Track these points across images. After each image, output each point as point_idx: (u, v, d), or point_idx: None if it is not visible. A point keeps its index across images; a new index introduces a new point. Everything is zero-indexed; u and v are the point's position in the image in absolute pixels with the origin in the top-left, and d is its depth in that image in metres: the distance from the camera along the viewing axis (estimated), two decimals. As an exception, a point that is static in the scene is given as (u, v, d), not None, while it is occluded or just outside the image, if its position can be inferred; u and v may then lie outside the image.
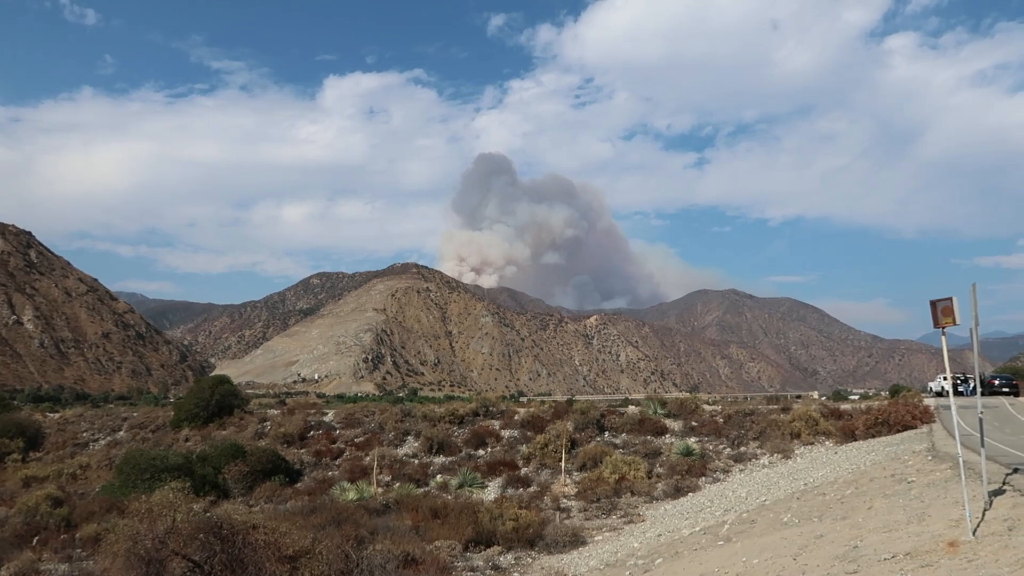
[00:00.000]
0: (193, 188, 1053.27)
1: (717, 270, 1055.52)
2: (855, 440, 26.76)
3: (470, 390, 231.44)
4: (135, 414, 52.37)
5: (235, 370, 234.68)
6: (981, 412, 11.03)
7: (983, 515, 9.84)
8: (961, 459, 10.46)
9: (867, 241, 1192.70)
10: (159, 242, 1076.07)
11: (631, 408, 39.52)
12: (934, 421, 27.09)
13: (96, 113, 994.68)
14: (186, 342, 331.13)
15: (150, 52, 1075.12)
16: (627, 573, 14.29)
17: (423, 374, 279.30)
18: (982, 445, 10.93)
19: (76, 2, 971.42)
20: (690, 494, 23.41)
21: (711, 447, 29.56)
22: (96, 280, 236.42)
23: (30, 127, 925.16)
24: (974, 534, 8.94)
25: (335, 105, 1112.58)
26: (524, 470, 29.11)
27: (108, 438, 46.29)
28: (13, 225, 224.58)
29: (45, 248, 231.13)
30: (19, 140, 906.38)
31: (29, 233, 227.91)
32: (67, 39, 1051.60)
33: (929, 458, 16.74)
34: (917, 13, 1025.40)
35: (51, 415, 58.39)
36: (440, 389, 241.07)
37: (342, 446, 36.19)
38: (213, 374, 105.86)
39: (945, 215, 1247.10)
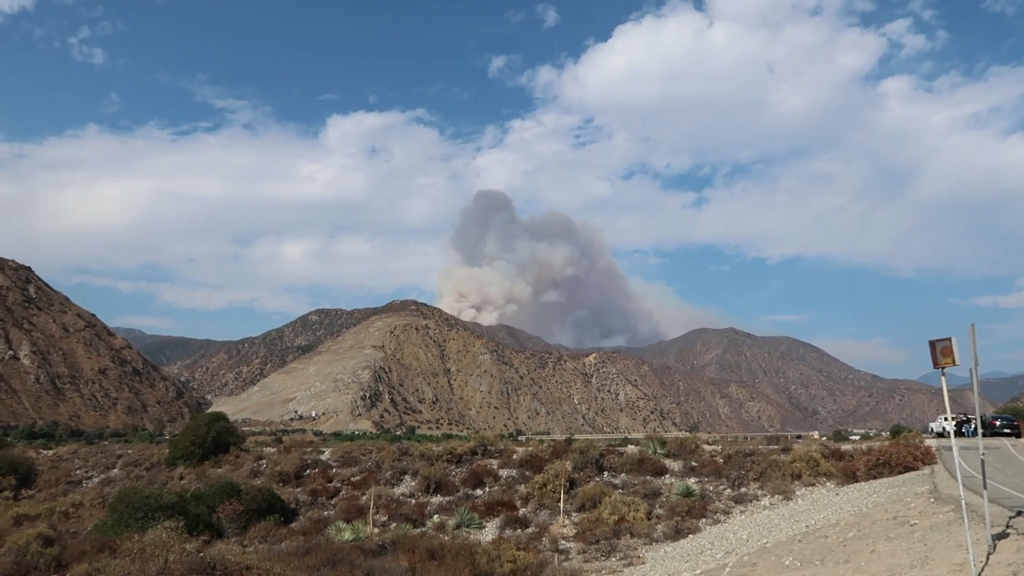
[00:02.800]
0: (194, 224, 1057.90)
1: (715, 308, 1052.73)
2: (856, 481, 26.49)
3: (468, 428, 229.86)
4: (129, 451, 51.91)
5: (232, 407, 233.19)
6: (983, 453, 10.97)
7: (987, 559, 9.73)
8: (964, 501, 10.38)
9: (864, 280, 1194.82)
10: (158, 277, 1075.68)
11: (630, 448, 39.22)
12: (936, 462, 26.88)
13: (101, 150, 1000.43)
14: (183, 378, 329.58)
15: (156, 91, 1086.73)
16: (627, 617, 14.05)
17: (421, 412, 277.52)
18: (984, 487, 10.86)
19: (84, 42, 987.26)
20: (690, 536, 23.11)
21: (711, 488, 29.24)
22: (94, 315, 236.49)
23: (34, 163, 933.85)
24: (978, 578, 8.82)
25: (337, 144, 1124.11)
26: (522, 510, 28.76)
27: (102, 476, 45.82)
28: (12, 260, 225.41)
29: (44, 283, 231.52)
30: (21, 176, 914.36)
31: (28, 268, 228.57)
32: (74, 77, 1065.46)
33: (931, 500, 16.58)
34: (912, 57, 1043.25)
35: (45, 452, 57.94)
36: (438, 427, 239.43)
37: (338, 485, 35.79)
38: (209, 411, 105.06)
39: (942, 254, 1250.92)
